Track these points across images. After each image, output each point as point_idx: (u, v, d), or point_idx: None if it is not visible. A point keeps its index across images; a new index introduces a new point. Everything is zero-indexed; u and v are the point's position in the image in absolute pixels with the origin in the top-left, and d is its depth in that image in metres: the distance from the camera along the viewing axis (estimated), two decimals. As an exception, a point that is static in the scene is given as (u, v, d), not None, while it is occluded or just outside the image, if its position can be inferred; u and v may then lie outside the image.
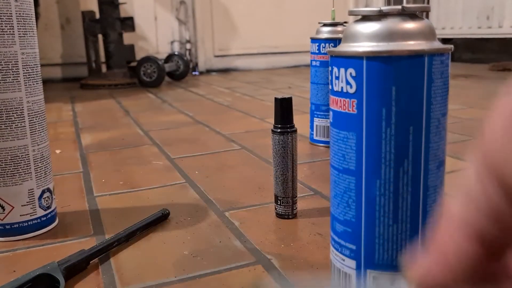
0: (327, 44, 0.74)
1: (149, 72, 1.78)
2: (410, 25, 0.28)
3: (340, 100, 0.28)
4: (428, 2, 2.27)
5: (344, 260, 0.32)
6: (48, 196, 0.48)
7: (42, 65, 0.48)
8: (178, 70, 1.98)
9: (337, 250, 0.33)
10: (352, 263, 0.32)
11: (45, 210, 0.47)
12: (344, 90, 0.27)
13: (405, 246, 0.30)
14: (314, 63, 0.77)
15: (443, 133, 0.29)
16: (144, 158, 0.75)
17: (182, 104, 1.31)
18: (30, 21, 0.45)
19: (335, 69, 0.28)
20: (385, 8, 0.28)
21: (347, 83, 0.27)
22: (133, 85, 1.82)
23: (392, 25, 0.28)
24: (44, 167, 0.47)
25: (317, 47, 0.75)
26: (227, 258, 0.42)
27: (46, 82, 2.08)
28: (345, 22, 0.78)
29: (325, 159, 0.72)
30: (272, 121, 0.49)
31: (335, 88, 0.28)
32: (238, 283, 0.37)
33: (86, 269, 0.40)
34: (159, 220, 0.49)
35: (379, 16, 0.28)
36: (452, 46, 0.29)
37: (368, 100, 0.26)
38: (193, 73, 2.32)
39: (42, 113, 0.47)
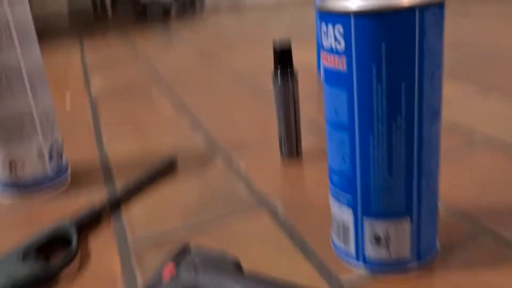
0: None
1: (156, 9, 1.74)
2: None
3: (330, 57, 0.27)
4: None
5: (341, 208, 0.33)
6: (57, 151, 0.49)
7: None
8: (185, 7, 1.93)
9: (334, 197, 0.33)
10: (349, 211, 0.32)
11: (55, 164, 0.49)
12: (333, 47, 0.26)
13: (401, 196, 0.31)
14: None
15: (437, 86, 0.28)
16: (153, 101, 0.75)
17: (190, 41, 1.29)
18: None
19: (323, 25, 0.27)
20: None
21: (336, 39, 0.26)
22: (141, 22, 1.78)
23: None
24: (51, 123, 0.48)
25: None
26: (233, 203, 0.43)
27: (53, 20, 2.05)
28: None
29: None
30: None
31: (325, 44, 0.27)
32: (242, 229, 0.39)
33: (100, 221, 0.42)
34: (168, 168, 0.50)
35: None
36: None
37: (358, 58, 0.26)
38: (199, 10, 2.25)
39: (40, 69, 0.47)
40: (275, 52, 0.47)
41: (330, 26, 0.26)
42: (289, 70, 0.47)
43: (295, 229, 0.38)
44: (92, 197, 0.46)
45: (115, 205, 0.43)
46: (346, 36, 0.25)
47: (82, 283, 0.34)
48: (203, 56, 1.05)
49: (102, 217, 0.42)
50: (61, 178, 0.49)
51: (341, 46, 0.26)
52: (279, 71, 0.47)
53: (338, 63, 0.26)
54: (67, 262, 0.35)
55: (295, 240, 0.37)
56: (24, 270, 0.33)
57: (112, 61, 1.09)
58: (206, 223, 0.40)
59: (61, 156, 0.50)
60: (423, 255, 0.32)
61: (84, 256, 0.37)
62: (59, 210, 0.45)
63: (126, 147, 0.58)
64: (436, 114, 0.29)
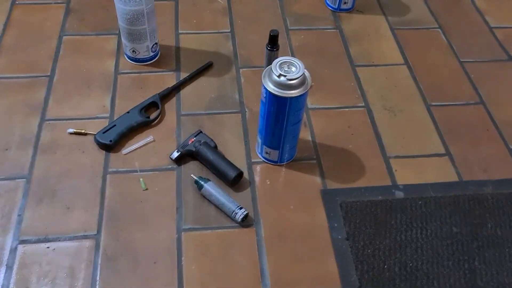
0: None
1: None
2: None
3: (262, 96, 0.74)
4: None
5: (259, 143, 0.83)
6: (155, 46, 0.96)
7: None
8: None
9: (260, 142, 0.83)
10: (260, 144, 0.83)
11: (154, 52, 0.97)
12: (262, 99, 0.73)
13: (276, 142, 0.80)
14: None
15: (299, 119, 0.75)
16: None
17: None
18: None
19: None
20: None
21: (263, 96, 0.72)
22: None
23: None
24: (154, 35, 0.94)
25: None
26: (228, 104, 0.92)
27: None
28: None
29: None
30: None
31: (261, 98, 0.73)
32: (228, 121, 0.89)
33: (171, 95, 0.92)
34: (207, 67, 0.97)
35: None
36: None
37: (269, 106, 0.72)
38: None
39: (152, 10, 0.90)
40: (270, 35, 0.89)
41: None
42: (275, 45, 0.90)
43: (251, 130, 0.88)
44: (169, 76, 0.95)
45: (177, 87, 0.93)
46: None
47: (158, 126, 0.87)
48: None
49: (171, 93, 0.92)
50: (154, 57, 0.98)
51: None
52: (269, 45, 0.90)
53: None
54: (157, 117, 0.87)
55: (246, 137, 0.87)
56: (139, 118, 0.86)
57: None
58: (215, 114, 0.90)
59: (156, 48, 0.97)
60: (283, 160, 0.84)
61: (162, 114, 0.89)
62: (153, 79, 0.95)
63: (189, 37, 1.03)
64: (297, 121, 0.76)
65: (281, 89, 0.71)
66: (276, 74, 0.71)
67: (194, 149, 0.81)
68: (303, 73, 0.72)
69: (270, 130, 0.78)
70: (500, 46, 1.10)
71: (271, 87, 0.72)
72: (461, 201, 0.82)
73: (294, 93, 0.71)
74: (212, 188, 0.77)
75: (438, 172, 0.85)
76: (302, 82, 0.72)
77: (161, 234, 0.74)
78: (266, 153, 0.82)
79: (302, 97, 0.72)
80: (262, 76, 0.73)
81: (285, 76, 0.71)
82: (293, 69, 0.72)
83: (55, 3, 1.09)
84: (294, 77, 0.71)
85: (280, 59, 0.73)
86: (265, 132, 0.79)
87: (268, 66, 0.73)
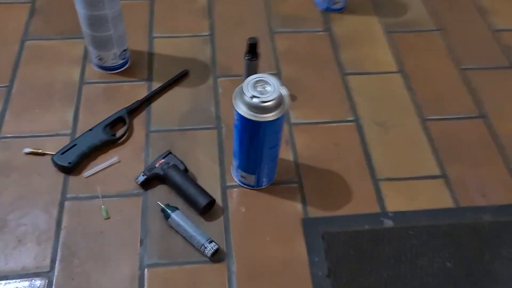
0: None
1: None
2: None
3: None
4: None
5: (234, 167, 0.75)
6: (124, 53, 0.88)
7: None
8: None
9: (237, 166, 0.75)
10: (236, 166, 0.75)
11: (122, 60, 0.88)
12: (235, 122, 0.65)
13: (252, 167, 0.72)
14: None
15: (275, 143, 0.67)
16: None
17: None
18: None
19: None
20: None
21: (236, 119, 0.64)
22: None
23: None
24: (122, 41, 0.86)
25: None
26: (203, 118, 0.84)
27: None
28: None
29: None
30: None
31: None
32: (202, 138, 0.81)
33: (140, 109, 0.84)
34: (182, 77, 0.89)
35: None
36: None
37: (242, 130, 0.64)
38: None
39: (119, 14, 0.82)
40: (247, 43, 0.80)
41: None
42: (255, 55, 0.81)
43: (227, 149, 0.80)
44: (140, 87, 0.87)
45: (148, 100, 0.85)
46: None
47: (125, 145, 0.79)
48: None
49: (141, 107, 0.84)
50: (124, 65, 0.90)
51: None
52: (248, 54, 0.81)
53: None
54: (123, 134, 0.79)
55: (222, 157, 0.79)
56: (104, 136, 0.78)
57: None
58: (187, 130, 0.82)
59: (126, 55, 0.89)
60: (261, 185, 0.76)
61: (129, 130, 0.81)
62: (123, 90, 0.86)
63: (164, 42, 0.95)
64: (275, 144, 0.68)
65: (254, 112, 0.63)
66: (248, 96, 0.63)
67: (161, 173, 0.74)
68: (279, 93, 0.63)
69: (245, 154, 0.70)
70: (505, 51, 1.01)
71: (243, 110, 0.63)
72: (456, 231, 0.74)
73: (269, 116, 0.63)
74: (179, 218, 0.69)
75: (432, 197, 0.77)
76: (278, 103, 0.64)
77: (122, 271, 0.66)
78: (242, 176, 0.75)
79: (278, 120, 0.64)
80: (233, 96, 0.65)
81: (258, 97, 0.62)
82: (269, 88, 0.64)
83: (18, 2, 1.01)
84: (268, 99, 0.62)
85: (253, 77, 0.65)
86: (240, 155, 0.71)
87: (239, 86, 0.65)
